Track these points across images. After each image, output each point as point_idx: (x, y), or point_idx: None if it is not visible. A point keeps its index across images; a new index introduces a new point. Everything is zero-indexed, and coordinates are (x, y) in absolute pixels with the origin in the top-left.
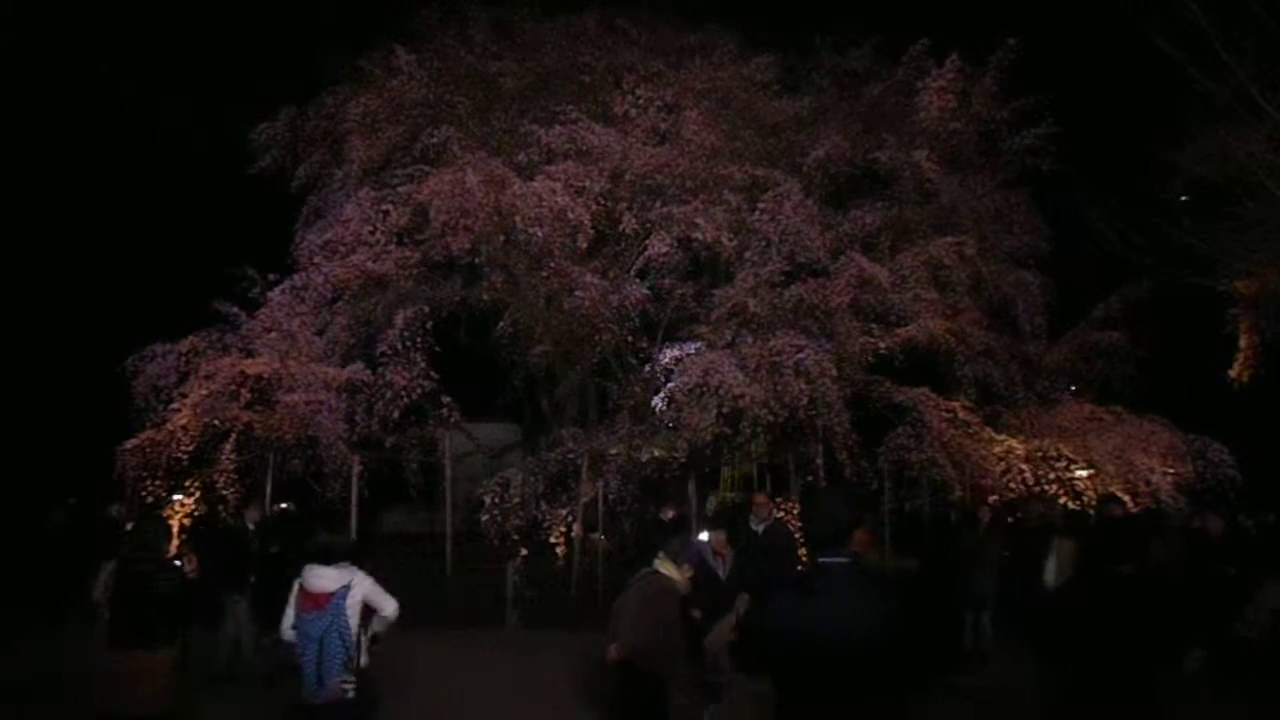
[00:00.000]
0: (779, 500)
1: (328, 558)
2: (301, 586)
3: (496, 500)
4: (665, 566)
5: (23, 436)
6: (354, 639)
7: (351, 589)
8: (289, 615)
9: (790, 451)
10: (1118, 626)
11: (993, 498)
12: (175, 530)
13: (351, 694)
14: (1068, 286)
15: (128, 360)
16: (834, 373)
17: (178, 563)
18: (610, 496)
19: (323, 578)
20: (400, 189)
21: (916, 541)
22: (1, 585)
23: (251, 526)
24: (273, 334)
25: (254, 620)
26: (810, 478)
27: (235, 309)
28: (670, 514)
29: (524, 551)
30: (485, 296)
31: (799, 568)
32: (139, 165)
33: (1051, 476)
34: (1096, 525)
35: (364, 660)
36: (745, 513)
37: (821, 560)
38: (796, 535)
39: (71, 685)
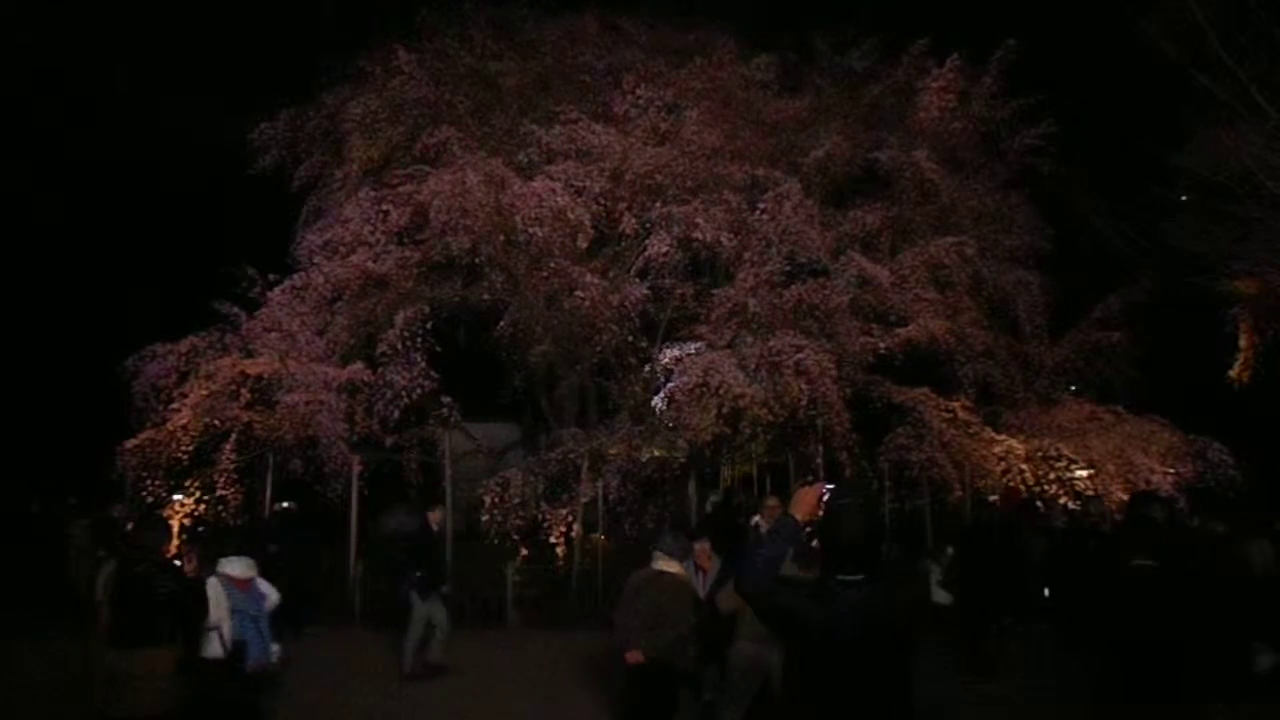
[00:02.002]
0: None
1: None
2: (230, 576)
3: (496, 500)
4: (668, 564)
5: (23, 436)
6: None
7: (256, 575)
8: (215, 603)
9: (790, 451)
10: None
11: (992, 498)
12: (175, 530)
13: (276, 654)
14: (1068, 286)
15: (128, 360)
16: (834, 373)
17: (177, 562)
18: (610, 496)
19: (244, 565)
20: (400, 189)
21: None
22: (1, 585)
23: (435, 528)
24: (273, 334)
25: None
26: (810, 478)
27: (235, 309)
28: (758, 521)
29: (524, 551)
30: (485, 296)
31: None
32: (139, 165)
33: (1051, 476)
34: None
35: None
36: (729, 515)
37: (839, 578)
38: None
39: (71, 685)
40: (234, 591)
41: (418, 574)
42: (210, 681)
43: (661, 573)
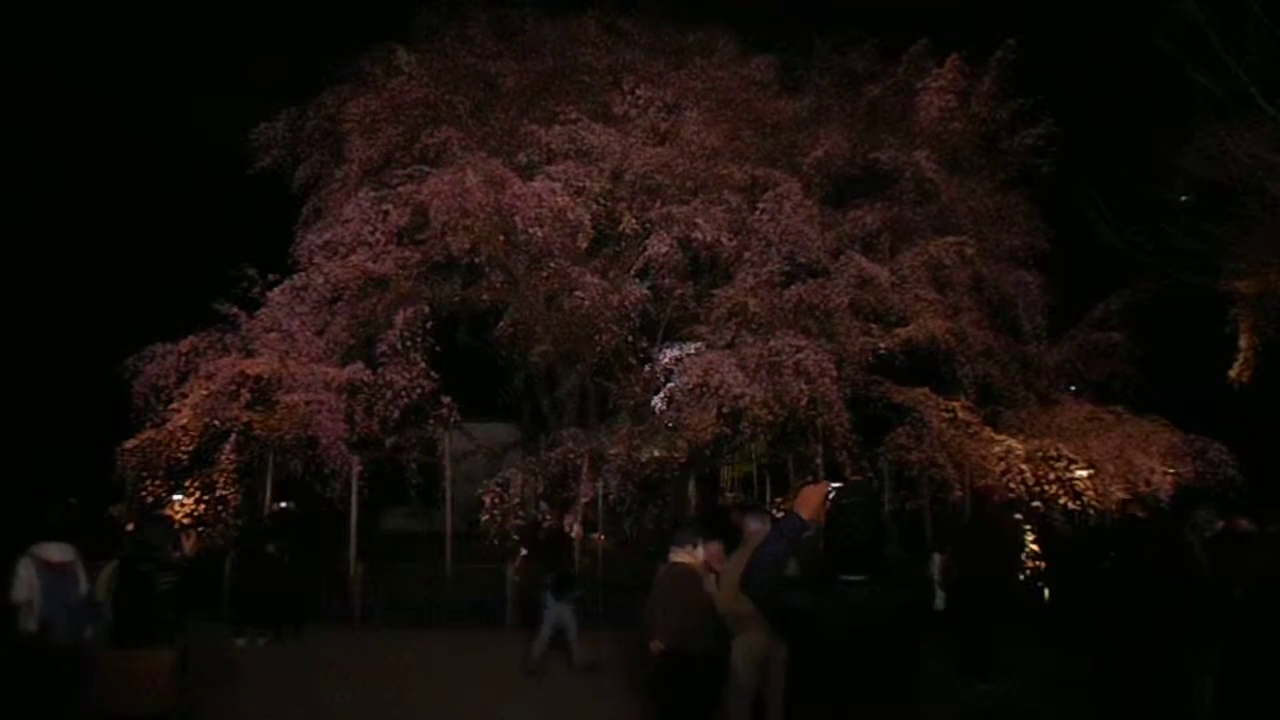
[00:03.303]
0: (779, 500)
1: (63, 537)
2: (43, 559)
3: (496, 500)
4: (680, 555)
5: (23, 436)
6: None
7: (76, 561)
8: (25, 581)
9: (790, 451)
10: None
11: (994, 497)
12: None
13: (90, 635)
14: (1068, 286)
15: (128, 360)
16: (834, 373)
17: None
18: (610, 496)
19: (60, 550)
20: (400, 189)
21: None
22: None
23: (569, 529)
24: (273, 334)
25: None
26: (810, 478)
27: (235, 309)
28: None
29: (524, 551)
30: (485, 296)
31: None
32: (139, 165)
33: (1051, 476)
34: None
35: None
36: (720, 515)
37: (843, 578)
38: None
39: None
40: (44, 573)
41: (551, 576)
42: (17, 655)
43: (673, 564)
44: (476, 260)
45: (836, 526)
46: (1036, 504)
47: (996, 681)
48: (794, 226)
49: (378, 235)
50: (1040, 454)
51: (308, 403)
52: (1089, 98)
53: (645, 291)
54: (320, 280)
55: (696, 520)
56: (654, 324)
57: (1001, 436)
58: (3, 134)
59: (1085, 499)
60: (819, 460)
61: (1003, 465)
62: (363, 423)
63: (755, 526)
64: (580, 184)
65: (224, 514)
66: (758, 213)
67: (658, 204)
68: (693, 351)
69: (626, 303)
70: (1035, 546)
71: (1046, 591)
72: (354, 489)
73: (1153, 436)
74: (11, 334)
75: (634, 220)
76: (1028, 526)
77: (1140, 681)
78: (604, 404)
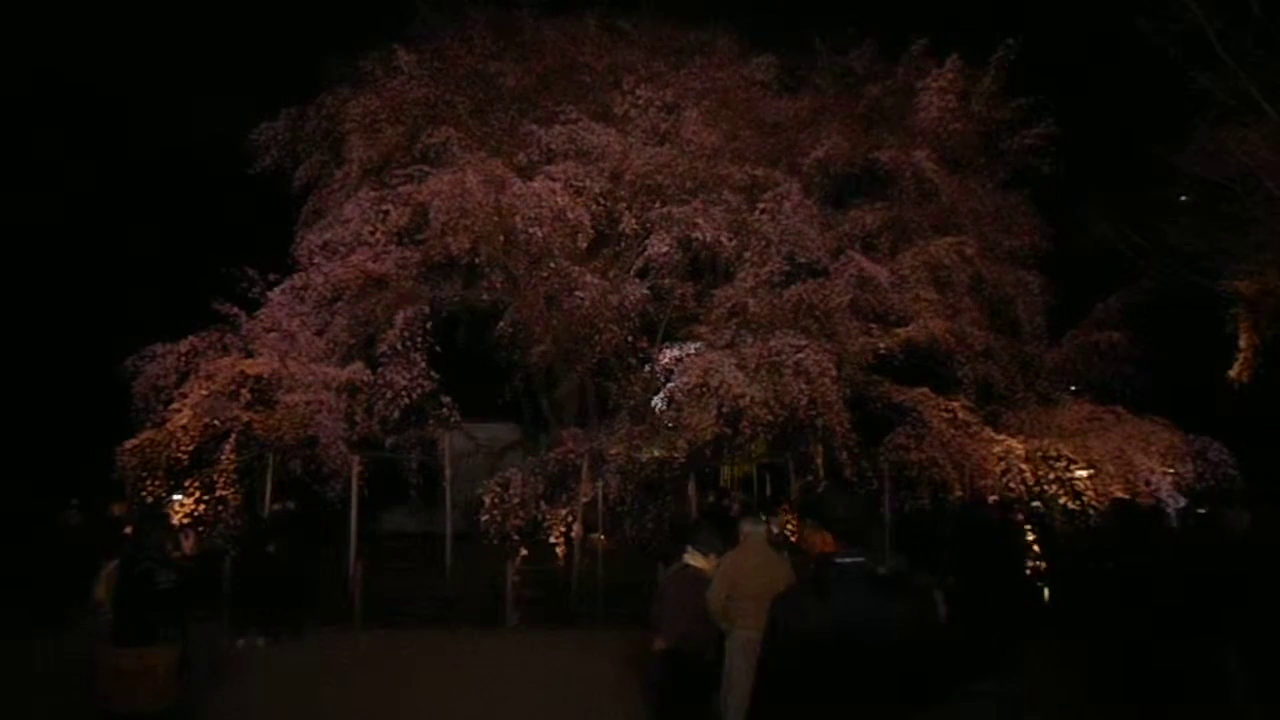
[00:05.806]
0: (779, 500)
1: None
2: None
3: (496, 500)
4: (694, 559)
5: (23, 437)
6: None
7: None
8: None
9: (790, 451)
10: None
11: (993, 497)
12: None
13: None
14: (1068, 286)
15: (128, 360)
16: (834, 373)
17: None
18: (610, 496)
19: None
20: (400, 189)
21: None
22: (3, 585)
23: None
24: (273, 334)
25: None
26: (810, 477)
27: (235, 309)
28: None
29: (524, 551)
30: (485, 296)
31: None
32: (139, 165)
33: (1051, 476)
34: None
35: None
36: (720, 516)
37: (837, 560)
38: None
39: (71, 684)
40: None
41: None
42: None
43: (685, 566)
44: (476, 260)
45: (817, 508)
46: (1036, 504)
47: (996, 682)
48: (794, 226)
49: (378, 235)
50: (1040, 454)
51: (308, 403)
52: (1089, 98)
53: (645, 291)
54: (320, 280)
55: (702, 523)
56: (654, 324)
57: (1001, 436)
58: (2, 133)
59: (1085, 499)
60: (819, 460)
61: (1003, 465)
62: (363, 423)
63: (748, 529)
64: (580, 184)
65: (224, 514)
66: (758, 213)
67: (658, 204)
68: (693, 351)
69: (626, 303)
70: (1035, 547)
71: (1046, 591)
72: (354, 489)
73: (1153, 436)
74: (11, 334)
75: (634, 220)
76: (1028, 526)
77: (1142, 680)
78: (604, 404)
